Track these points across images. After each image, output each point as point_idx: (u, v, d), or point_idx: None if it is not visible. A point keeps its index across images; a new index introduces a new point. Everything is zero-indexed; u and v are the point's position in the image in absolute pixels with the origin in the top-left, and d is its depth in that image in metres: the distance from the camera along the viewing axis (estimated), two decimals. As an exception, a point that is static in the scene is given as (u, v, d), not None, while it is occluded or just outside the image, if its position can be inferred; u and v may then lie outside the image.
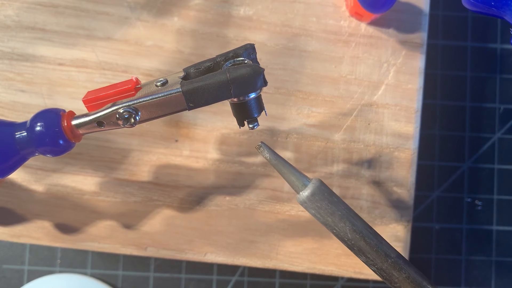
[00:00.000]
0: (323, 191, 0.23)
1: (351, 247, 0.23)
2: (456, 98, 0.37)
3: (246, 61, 0.23)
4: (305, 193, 0.23)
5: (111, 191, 0.31)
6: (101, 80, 0.30)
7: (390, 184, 0.31)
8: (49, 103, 0.30)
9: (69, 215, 0.31)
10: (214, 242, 0.31)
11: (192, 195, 0.31)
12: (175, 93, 0.22)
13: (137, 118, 0.23)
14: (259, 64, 0.23)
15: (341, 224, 0.23)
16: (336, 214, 0.23)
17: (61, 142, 0.23)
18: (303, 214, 0.31)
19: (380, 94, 0.31)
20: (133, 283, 0.35)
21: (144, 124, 0.30)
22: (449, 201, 0.36)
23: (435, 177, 0.36)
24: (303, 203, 0.23)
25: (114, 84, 0.23)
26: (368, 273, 0.31)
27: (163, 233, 0.31)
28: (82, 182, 0.31)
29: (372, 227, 0.24)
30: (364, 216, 0.31)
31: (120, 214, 0.31)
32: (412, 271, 0.23)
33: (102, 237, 0.31)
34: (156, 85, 0.23)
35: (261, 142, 0.24)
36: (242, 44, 0.24)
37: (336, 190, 0.31)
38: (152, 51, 0.30)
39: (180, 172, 0.31)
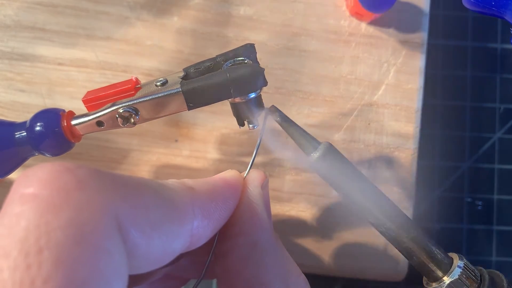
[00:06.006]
0: (334, 153, 0.23)
1: (361, 209, 0.23)
2: (456, 98, 0.37)
3: (246, 61, 0.23)
4: (317, 153, 0.23)
5: (111, 191, 0.31)
6: (101, 80, 0.30)
7: (390, 184, 0.31)
8: (49, 103, 0.30)
9: (69, 215, 0.31)
10: (214, 242, 0.31)
11: (192, 195, 0.31)
12: (175, 93, 0.22)
13: (137, 118, 0.23)
14: (259, 64, 0.23)
15: (352, 184, 0.23)
16: (347, 174, 0.23)
17: (60, 142, 0.23)
18: (303, 214, 0.31)
19: (380, 94, 0.31)
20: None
21: (144, 124, 0.30)
22: (449, 201, 0.36)
23: (435, 177, 0.36)
24: (314, 164, 0.23)
25: (114, 84, 0.23)
26: (368, 273, 0.31)
27: (163, 233, 0.31)
28: (82, 182, 0.31)
29: (379, 189, 0.24)
30: (364, 216, 0.31)
31: (120, 214, 0.31)
32: (420, 232, 0.23)
33: (102, 237, 0.31)
34: (156, 85, 0.23)
35: (273, 105, 0.24)
36: (242, 44, 0.24)
37: (336, 190, 0.31)
38: (152, 50, 0.30)
39: (180, 172, 0.31)
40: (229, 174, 0.21)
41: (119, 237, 0.14)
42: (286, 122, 0.24)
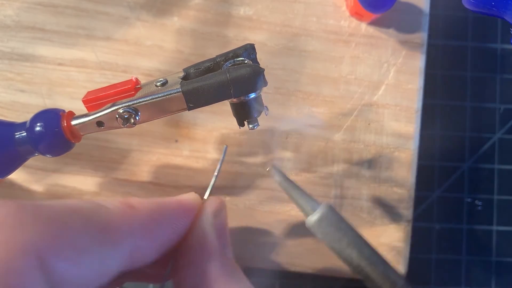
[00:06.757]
0: (331, 218, 0.24)
1: (358, 272, 0.24)
2: (456, 98, 0.37)
3: (246, 61, 0.23)
4: (313, 218, 0.24)
5: (111, 191, 0.31)
6: (101, 80, 0.30)
7: (390, 184, 0.31)
8: (49, 103, 0.30)
9: (69, 215, 0.31)
10: (214, 242, 0.31)
11: (192, 195, 0.31)
12: (175, 93, 0.22)
13: (137, 118, 0.23)
14: (259, 64, 0.23)
15: (347, 251, 0.23)
16: (343, 241, 0.23)
17: (60, 142, 0.23)
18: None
19: (380, 94, 0.31)
20: (133, 282, 0.35)
21: (144, 124, 0.30)
22: (449, 201, 0.36)
23: (435, 177, 0.36)
24: (311, 227, 0.24)
25: (114, 84, 0.23)
26: (368, 273, 0.31)
27: (163, 233, 0.31)
28: (82, 182, 0.31)
29: (379, 255, 0.24)
30: (364, 216, 0.31)
31: (120, 214, 0.31)
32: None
33: (102, 237, 0.31)
34: (156, 85, 0.23)
35: (272, 165, 0.24)
36: (242, 44, 0.24)
37: (336, 190, 0.31)
38: (152, 51, 0.30)
39: (180, 172, 0.31)
40: (186, 196, 0.22)
41: (40, 274, 0.14)
42: (286, 182, 0.24)
